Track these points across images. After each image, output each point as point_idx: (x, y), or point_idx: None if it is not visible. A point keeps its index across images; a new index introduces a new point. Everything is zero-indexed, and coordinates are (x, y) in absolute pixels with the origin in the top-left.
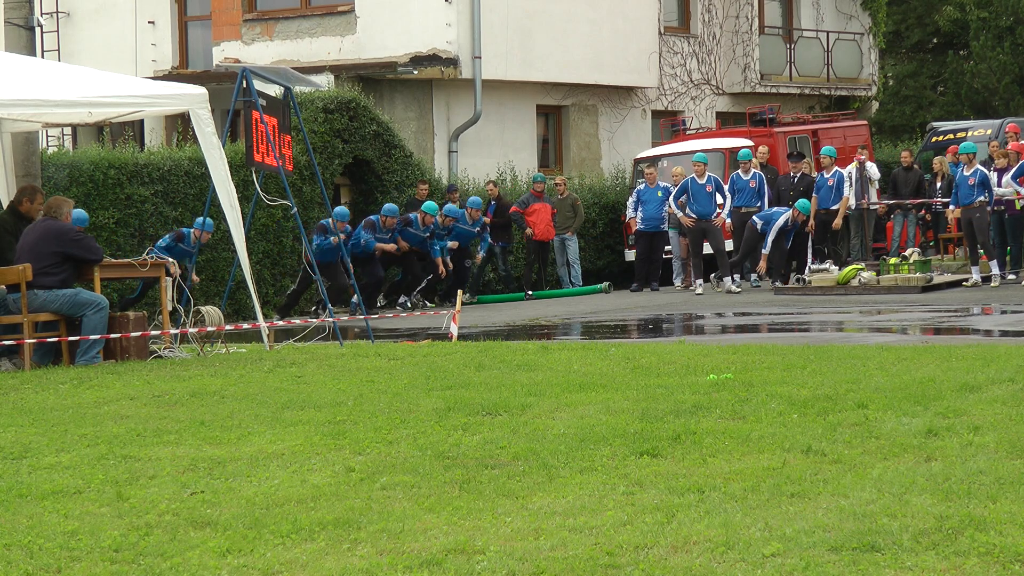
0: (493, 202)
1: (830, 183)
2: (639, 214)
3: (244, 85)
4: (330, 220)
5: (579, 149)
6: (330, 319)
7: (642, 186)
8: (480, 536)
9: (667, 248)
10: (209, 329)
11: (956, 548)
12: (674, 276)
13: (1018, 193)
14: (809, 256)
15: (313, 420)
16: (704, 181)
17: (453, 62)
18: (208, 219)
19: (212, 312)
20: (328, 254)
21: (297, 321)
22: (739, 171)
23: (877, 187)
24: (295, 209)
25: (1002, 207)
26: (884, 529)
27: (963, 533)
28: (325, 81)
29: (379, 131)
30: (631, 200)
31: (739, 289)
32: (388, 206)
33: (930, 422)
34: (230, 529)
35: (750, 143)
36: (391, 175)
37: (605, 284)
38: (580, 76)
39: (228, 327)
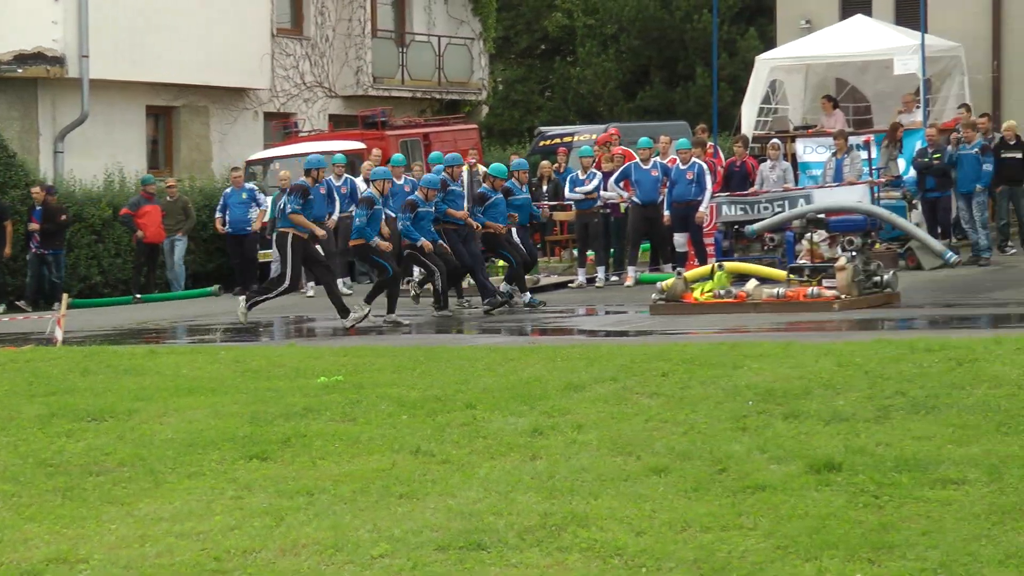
0: (39, 208)
1: None
2: (227, 216)
3: None
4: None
5: (190, 151)
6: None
7: (229, 189)
8: (84, 544)
9: (264, 252)
10: None
11: (559, 544)
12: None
13: (621, 197)
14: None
15: None
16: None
17: (59, 61)
18: None
19: None
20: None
21: None
22: (332, 176)
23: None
24: None
25: (607, 210)
26: (490, 527)
27: (566, 529)
28: None
29: None
30: (220, 203)
31: (351, 291)
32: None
33: (536, 421)
34: None
35: (362, 146)
36: None
37: (215, 287)
38: (191, 77)
39: None
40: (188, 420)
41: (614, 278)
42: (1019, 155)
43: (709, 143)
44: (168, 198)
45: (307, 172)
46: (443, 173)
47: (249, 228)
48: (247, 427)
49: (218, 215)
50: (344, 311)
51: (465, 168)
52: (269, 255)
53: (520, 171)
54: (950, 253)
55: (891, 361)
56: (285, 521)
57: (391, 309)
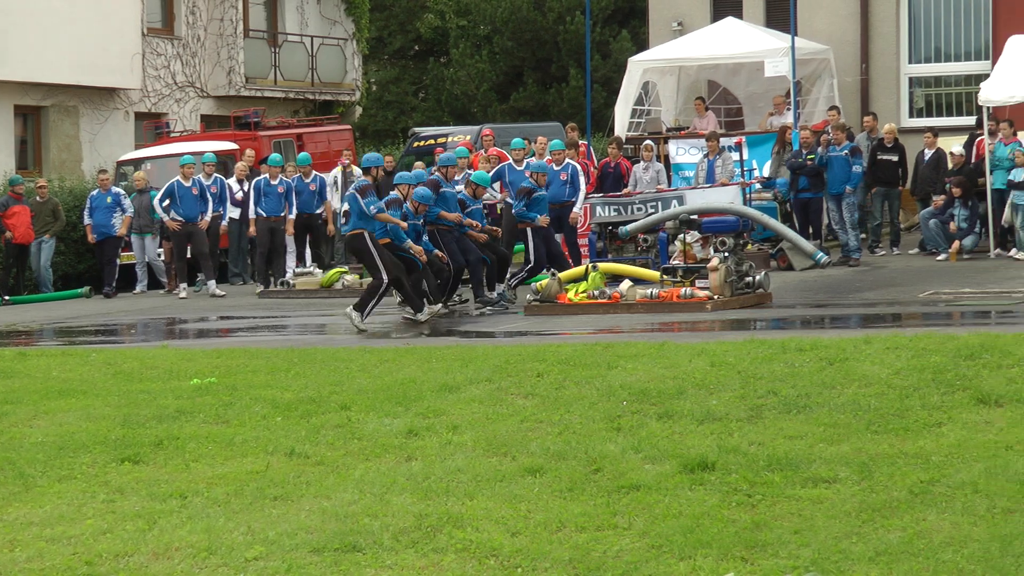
0: None
1: (311, 188)
2: (92, 219)
3: None
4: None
5: (59, 151)
6: None
7: (95, 192)
8: None
9: (127, 254)
10: None
11: (435, 545)
12: (138, 282)
13: (495, 198)
14: (292, 260)
15: None
16: (189, 184)
17: None
18: None
19: None
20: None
21: None
22: (202, 176)
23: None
24: None
25: (485, 211)
26: (365, 529)
27: (441, 530)
28: None
29: None
30: (87, 207)
31: (223, 293)
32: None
33: (411, 422)
34: None
35: (235, 146)
36: None
37: (86, 288)
38: (60, 76)
39: None
40: (59, 423)
41: None
42: (895, 158)
43: (582, 143)
44: (38, 199)
45: (366, 171)
46: (435, 173)
47: (114, 232)
48: (119, 430)
49: (87, 221)
50: (416, 305)
51: (339, 168)
52: (132, 257)
53: (538, 173)
54: (820, 254)
55: (763, 361)
56: (158, 524)
57: (417, 308)
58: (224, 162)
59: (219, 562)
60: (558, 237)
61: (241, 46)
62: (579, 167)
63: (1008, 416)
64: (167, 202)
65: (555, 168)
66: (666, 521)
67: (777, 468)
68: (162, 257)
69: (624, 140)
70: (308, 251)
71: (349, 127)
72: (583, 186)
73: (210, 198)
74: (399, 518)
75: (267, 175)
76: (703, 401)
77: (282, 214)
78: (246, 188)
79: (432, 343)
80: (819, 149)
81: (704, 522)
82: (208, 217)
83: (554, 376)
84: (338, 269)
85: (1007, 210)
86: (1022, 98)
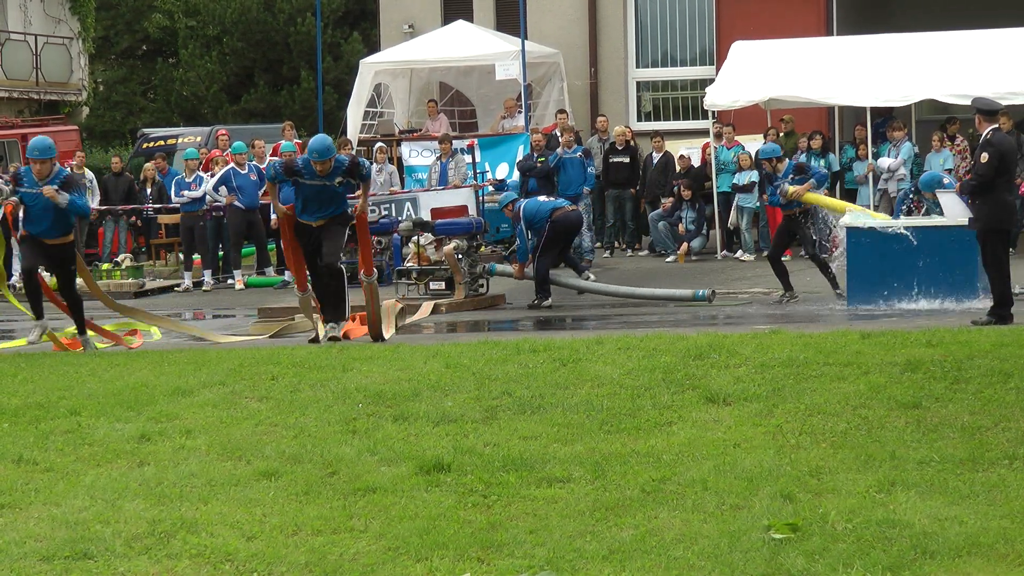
0: None
1: None
2: None
3: None
4: None
5: None
6: None
7: None
8: None
9: None
10: None
11: (168, 551)
12: None
13: (221, 200)
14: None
15: None
16: None
17: None
18: None
19: None
20: None
21: None
22: None
23: (98, 196)
24: None
25: (221, 212)
26: (97, 536)
27: (175, 536)
28: None
29: None
30: None
31: None
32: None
33: (143, 427)
34: None
35: None
36: None
37: None
38: None
39: None
40: None
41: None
42: (627, 160)
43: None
44: None
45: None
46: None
47: None
48: None
49: None
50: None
51: (67, 170)
52: None
53: None
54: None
55: (498, 362)
56: None
57: None
58: None
59: None
60: None
61: None
62: None
63: (735, 414)
64: None
65: None
66: (402, 523)
67: (512, 468)
68: None
69: (357, 142)
70: None
71: (76, 127)
72: None
73: None
74: (132, 524)
75: None
76: (438, 403)
77: None
78: None
79: (164, 346)
80: (559, 150)
81: (440, 523)
82: None
83: (289, 379)
84: None
85: (732, 212)
86: (746, 102)
